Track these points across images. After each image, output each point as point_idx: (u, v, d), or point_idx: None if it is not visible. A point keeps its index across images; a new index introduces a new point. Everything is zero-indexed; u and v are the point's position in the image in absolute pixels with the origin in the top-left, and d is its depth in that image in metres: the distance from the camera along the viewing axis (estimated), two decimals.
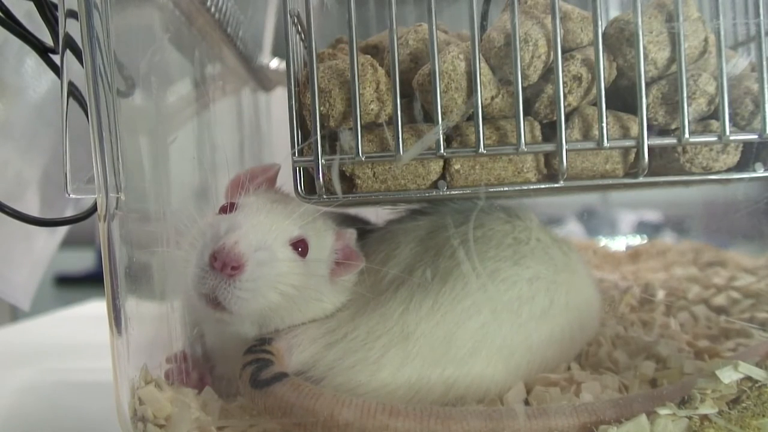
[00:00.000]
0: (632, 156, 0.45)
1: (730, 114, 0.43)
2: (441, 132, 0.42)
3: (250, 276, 0.42)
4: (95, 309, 1.07)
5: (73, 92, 0.45)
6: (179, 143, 0.54)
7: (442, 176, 0.45)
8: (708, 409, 0.39)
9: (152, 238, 0.47)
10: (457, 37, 0.51)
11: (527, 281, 0.49)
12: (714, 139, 0.43)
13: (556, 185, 0.44)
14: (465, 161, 0.44)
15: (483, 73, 0.42)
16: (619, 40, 0.44)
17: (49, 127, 0.65)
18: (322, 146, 0.43)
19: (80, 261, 2.34)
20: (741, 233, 0.72)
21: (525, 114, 0.43)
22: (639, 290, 0.69)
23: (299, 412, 0.39)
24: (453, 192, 0.45)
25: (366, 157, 0.43)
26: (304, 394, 0.40)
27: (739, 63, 0.46)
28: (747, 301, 0.63)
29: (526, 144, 0.42)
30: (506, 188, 0.45)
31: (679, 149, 0.45)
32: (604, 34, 0.44)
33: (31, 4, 0.47)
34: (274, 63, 0.80)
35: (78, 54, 0.43)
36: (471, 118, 0.43)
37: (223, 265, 0.41)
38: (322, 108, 0.43)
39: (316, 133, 0.43)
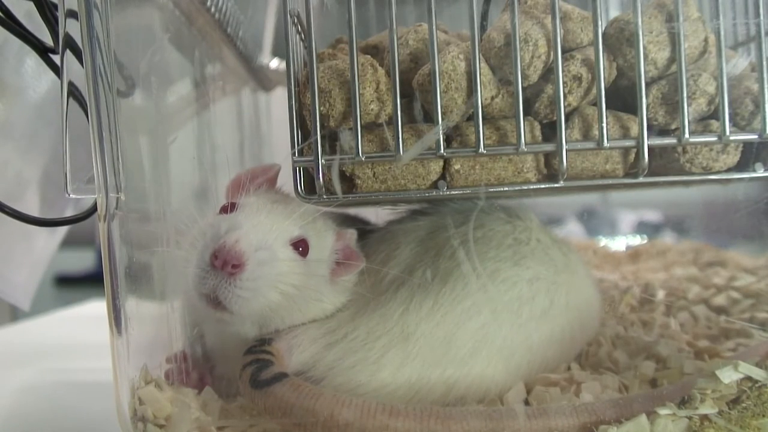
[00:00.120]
0: (632, 156, 0.45)
1: (730, 114, 0.43)
2: (441, 132, 0.42)
3: (250, 275, 0.42)
4: (95, 309, 1.07)
5: (73, 92, 0.45)
6: (179, 143, 0.54)
7: (442, 176, 0.45)
8: (708, 409, 0.39)
9: (152, 238, 0.47)
10: (457, 37, 0.51)
11: (527, 282, 0.49)
12: (714, 139, 0.43)
13: (556, 185, 0.44)
14: (465, 161, 0.44)
15: (483, 73, 0.42)
16: (619, 40, 0.44)
17: (49, 127, 0.65)
18: (322, 146, 0.43)
19: (80, 261, 2.34)
20: (741, 233, 0.72)
21: (525, 114, 0.43)
22: (639, 290, 0.69)
23: (299, 413, 0.39)
24: (453, 192, 0.45)
25: (366, 157, 0.43)
26: (304, 394, 0.40)
27: (739, 63, 0.46)
28: (747, 301, 0.63)
29: (526, 144, 0.42)
30: (506, 188, 0.45)
31: (679, 149, 0.45)
32: (604, 34, 0.44)
33: (31, 4, 0.47)
34: (274, 63, 0.80)
35: (78, 54, 0.43)
36: (471, 118, 0.43)
37: (223, 263, 0.42)
38: (322, 108, 0.43)
39: (316, 133, 0.42)
